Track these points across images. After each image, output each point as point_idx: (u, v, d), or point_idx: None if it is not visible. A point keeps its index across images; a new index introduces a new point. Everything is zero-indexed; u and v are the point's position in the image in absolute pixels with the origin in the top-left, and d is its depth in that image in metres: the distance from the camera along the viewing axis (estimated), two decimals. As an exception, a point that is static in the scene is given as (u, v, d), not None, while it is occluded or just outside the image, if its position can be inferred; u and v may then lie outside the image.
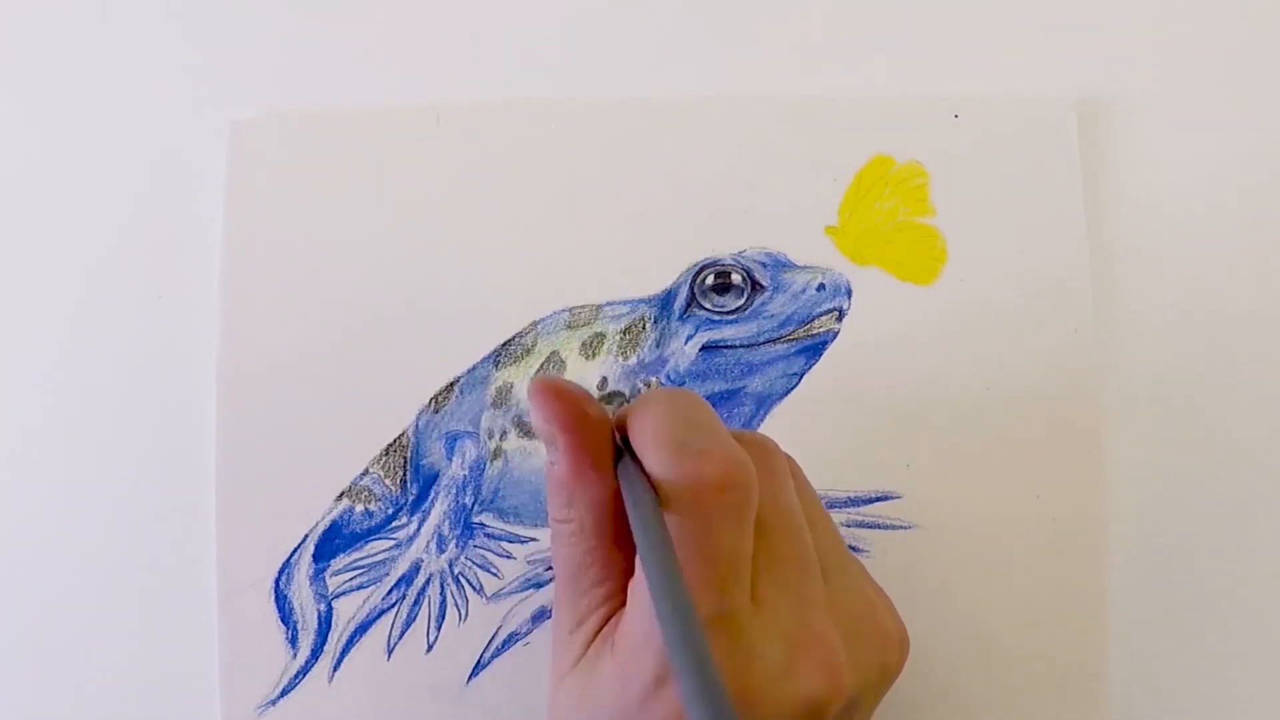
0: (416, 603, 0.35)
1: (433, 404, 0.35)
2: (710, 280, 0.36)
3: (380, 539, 0.35)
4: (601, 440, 0.26)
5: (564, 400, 0.26)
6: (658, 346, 0.36)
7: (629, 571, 0.26)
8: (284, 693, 0.34)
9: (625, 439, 0.26)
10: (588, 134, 0.36)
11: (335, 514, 0.35)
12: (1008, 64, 0.37)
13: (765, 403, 0.35)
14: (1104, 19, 0.37)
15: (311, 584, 0.35)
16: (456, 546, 0.35)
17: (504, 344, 0.36)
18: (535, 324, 0.36)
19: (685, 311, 0.36)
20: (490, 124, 0.37)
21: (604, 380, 0.35)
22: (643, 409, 0.26)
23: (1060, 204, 0.36)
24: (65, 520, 0.36)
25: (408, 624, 0.35)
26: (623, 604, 0.26)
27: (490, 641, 0.35)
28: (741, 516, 0.25)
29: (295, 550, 0.35)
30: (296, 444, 0.35)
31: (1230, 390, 0.36)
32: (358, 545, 0.35)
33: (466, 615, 0.35)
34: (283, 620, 0.35)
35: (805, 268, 0.36)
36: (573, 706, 0.26)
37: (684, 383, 0.35)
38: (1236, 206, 0.37)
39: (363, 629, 0.35)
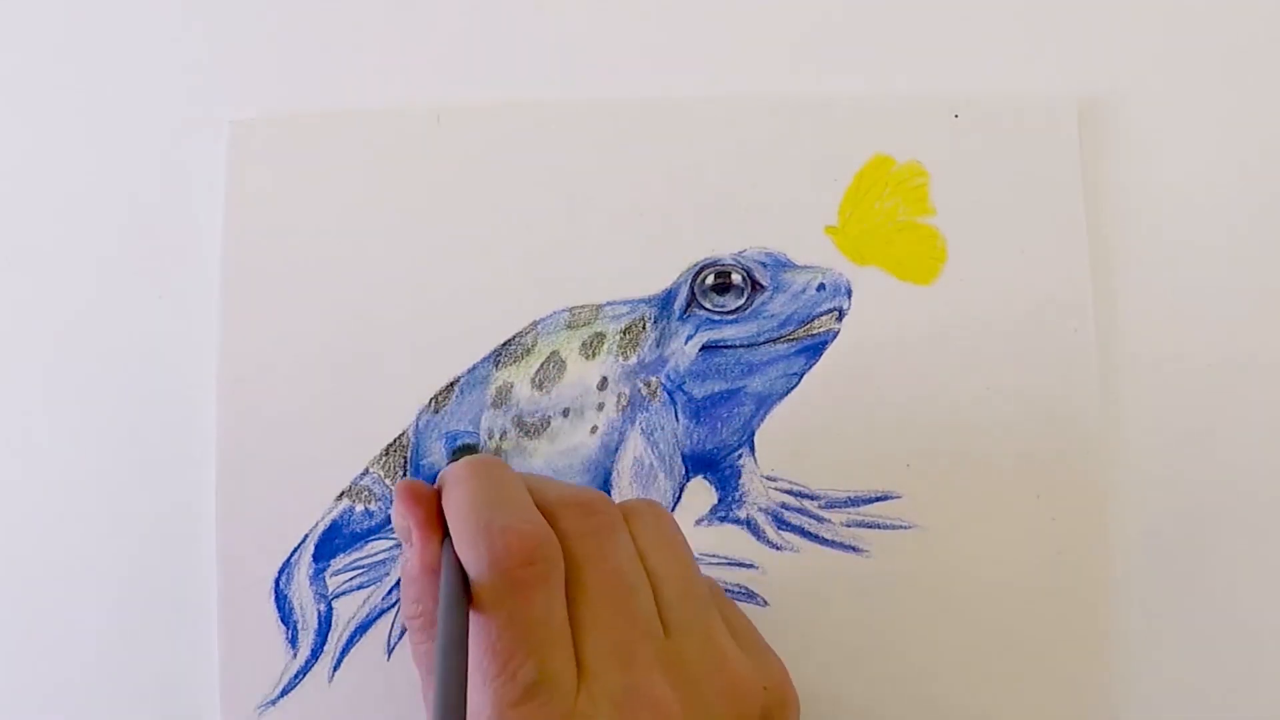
0: (416, 603, 0.35)
1: (433, 404, 0.35)
2: (710, 280, 0.36)
3: (380, 539, 0.35)
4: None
5: (419, 500, 0.27)
6: (658, 346, 0.36)
7: None
8: (284, 692, 0.34)
9: None
10: (588, 134, 0.36)
11: (335, 514, 0.35)
12: (1008, 64, 0.37)
13: (765, 403, 0.35)
14: (1104, 19, 0.37)
15: (311, 584, 0.35)
16: (456, 546, 0.35)
17: (504, 344, 0.36)
18: (535, 324, 0.36)
19: (685, 311, 0.36)
20: (490, 124, 0.37)
21: (604, 380, 0.36)
22: (450, 488, 0.27)
23: (1060, 204, 0.36)
24: (65, 520, 0.36)
25: (408, 624, 0.35)
26: None
27: (490, 641, 0.35)
28: (549, 587, 0.26)
29: (295, 550, 0.35)
30: (296, 444, 0.35)
31: (1231, 390, 0.36)
32: (358, 545, 0.35)
33: (466, 615, 0.35)
34: (283, 620, 0.35)
35: (805, 268, 0.36)
36: None
37: (684, 382, 0.35)
38: (1236, 206, 0.37)
39: (363, 629, 0.35)
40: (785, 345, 0.36)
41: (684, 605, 0.28)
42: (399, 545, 0.35)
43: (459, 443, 0.35)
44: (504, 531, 0.26)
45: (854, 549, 0.35)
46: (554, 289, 0.36)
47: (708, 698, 0.26)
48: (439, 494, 0.28)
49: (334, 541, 0.35)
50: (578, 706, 0.25)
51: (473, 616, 0.25)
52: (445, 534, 0.27)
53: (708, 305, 0.36)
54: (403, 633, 0.35)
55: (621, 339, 0.36)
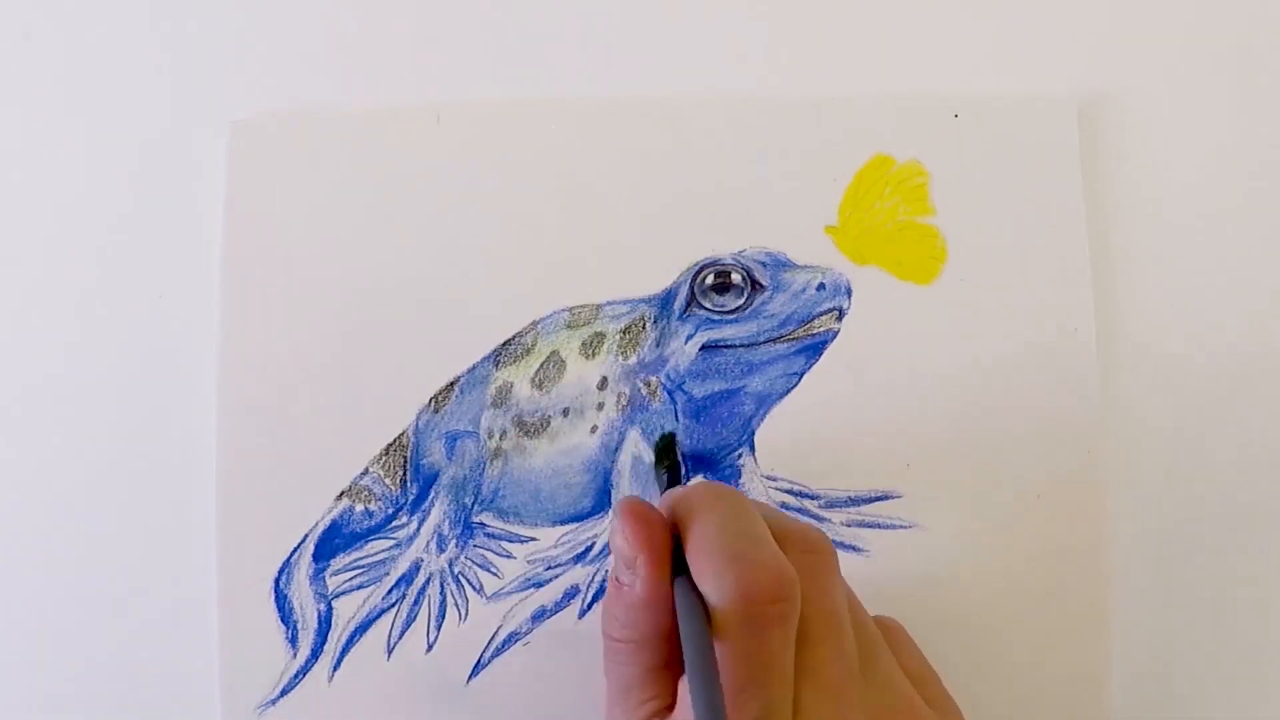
0: (416, 602, 0.35)
1: (433, 404, 0.35)
2: (710, 280, 0.36)
3: (380, 539, 0.35)
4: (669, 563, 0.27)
5: (651, 526, 0.27)
6: (658, 346, 0.36)
7: (675, 684, 0.27)
8: (284, 692, 0.34)
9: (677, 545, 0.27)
10: (588, 134, 0.36)
11: (335, 513, 0.35)
12: (1008, 64, 0.37)
13: (765, 402, 0.35)
14: (1104, 19, 0.37)
15: (311, 584, 0.35)
16: (456, 546, 0.35)
17: (504, 344, 0.36)
18: (535, 324, 0.36)
19: (685, 311, 0.36)
20: (490, 124, 0.37)
21: (604, 380, 0.36)
22: (698, 517, 0.27)
23: (1060, 204, 0.36)
24: (65, 520, 0.36)
25: (408, 624, 0.35)
26: (669, 707, 0.27)
27: (490, 641, 0.35)
28: (787, 626, 0.26)
29: (295, 550, 0.35)
30: (296, 444, 0.35)
31: (1231, 390, 0.36)
32: (358, 545, 0.35)
33: (466, 615, 0.35)
34: (283, 620, 0.35)
35: (805, 267, 0.36)
36: None
37: (684, 382, 0.35)
38: (1236, 206, 0.37)
39: (363, 629, 0.35)
40: (785, 345, 0.36)
41: (875, 650, 0.28)
42: (399, 545, 0.35)
43: (662, 436, 0.35)
44: (755, 566, 0.25)
45: (854, 549, 0.35)
46: (554, 289, 0.36)
47: None
48: (666, 521, 0.27)
49: (334, 541, 0.35)
50: None
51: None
52: (677, 566, 0.27)
53: (708, 305, 0.36)
54: (403, 633, 0.35)
55: (621, 339, 0.36)
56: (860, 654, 0.28)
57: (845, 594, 0.28)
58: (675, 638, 0.27)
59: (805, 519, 0.35)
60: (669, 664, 0.27)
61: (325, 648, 0.35)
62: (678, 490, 0.29)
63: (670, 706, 0.27)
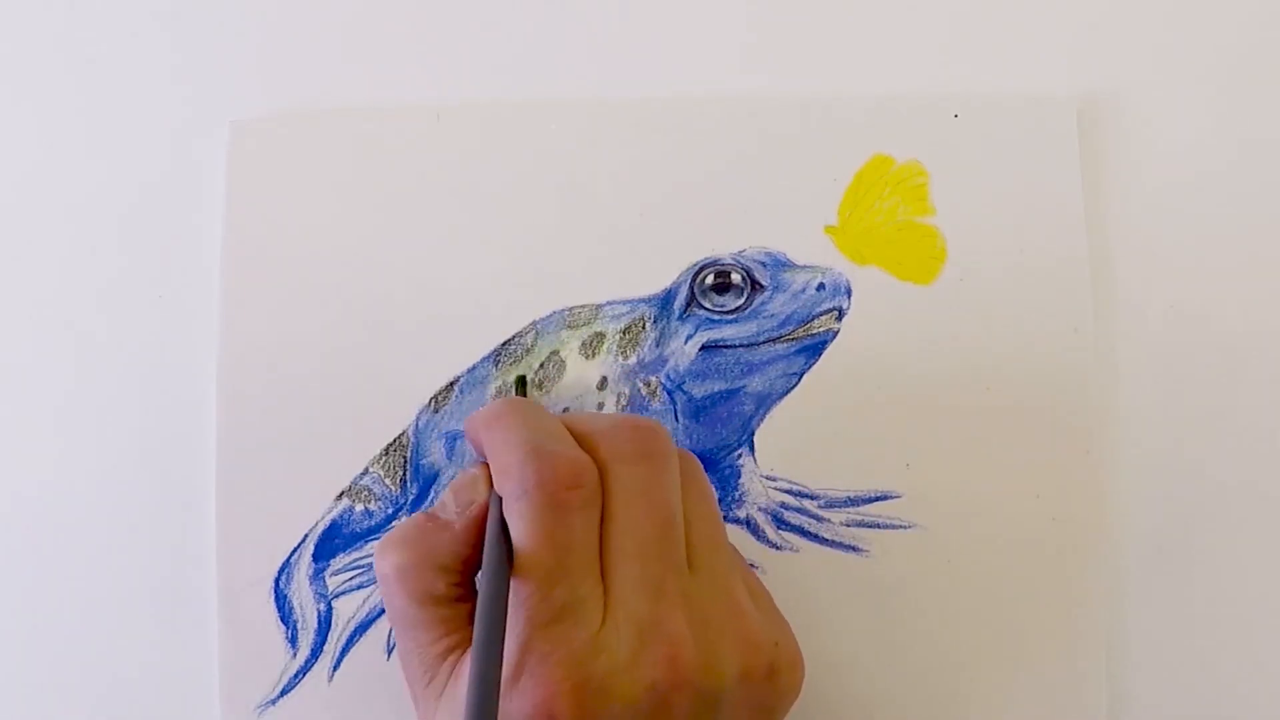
0: (416, 602, 0.35)
1: (433, 404, 0.35)
2: (710, 280, 0.36)
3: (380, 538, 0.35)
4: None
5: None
6: (657, 346, 0.36)
7: (464, 623, 0.28)
8: (284, 692, 0.34)
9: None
10: (587, 134, 0.36)
11: (335, 513, 0.35)
12: (1008, 64, 0.37)
13: (765, 402, 0.35)
14: (1104, 19, 0.37)
15: (311, 583, 0.35)
16: (456, 546, 0.35)
17: (504, 344, 0.36)
18: (535, 324, 0.36)
19: (685, 311, 0.36)
20: (490, 123, 0.37)
21: (604, 380, 0.36)
22: (494, 422, 0.28)
23: (1060, 204, 0.36)
24: (65, 520, 0.36)
25: (408, 624, 0.35)
26: (468, 643, 0.27)
27: (490, 641, 0.35)
28: (587, 512, 0.27)
29: (295, 550, 0.35)
30: (296, 444, 0.35)
31: (1230, 389, 0.36)
32: (358, 545, 0.35)
33: (466, 615, 0.35)
34: (283, 620, 0.35)
35: (805, 267, 0.36)
36: None
37: (684, 382, 0.35)
38: (1236, 206, 0.37)
39: (363, 629, 0.35)
40: (785, 345, 0.36)
41: (710, 551, 0.28)
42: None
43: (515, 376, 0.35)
44: (549, 456, 0.27)
45: (854, 549, 0.35)
46: (554, 289, 0.36)
47: (720, 643, 0.27)
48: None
49: (334, 541, 0.35)
50: (602, 633, 0.26)
51: (514, 535, 0.26)
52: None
53: (707, 305, 0.36)
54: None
55: (621, 339, 0.36)
56: (699, 555, 0.28)
57: (668, 489, 0.28)
58: (456, 574, 0.28)
59: (805, 519, 0.35)
60: (449, 599, 0.28)
61: (325, 648, 0.35)
62: (474, 414, 0.30)
63: (469, 640, 0.27)
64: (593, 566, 0.26)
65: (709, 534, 0.29)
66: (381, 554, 0.28)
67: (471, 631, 0.26)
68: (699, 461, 0.30)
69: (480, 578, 0.27)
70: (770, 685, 0.28)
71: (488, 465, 0.29)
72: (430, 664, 0.28)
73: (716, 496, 0.30)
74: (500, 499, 0.27)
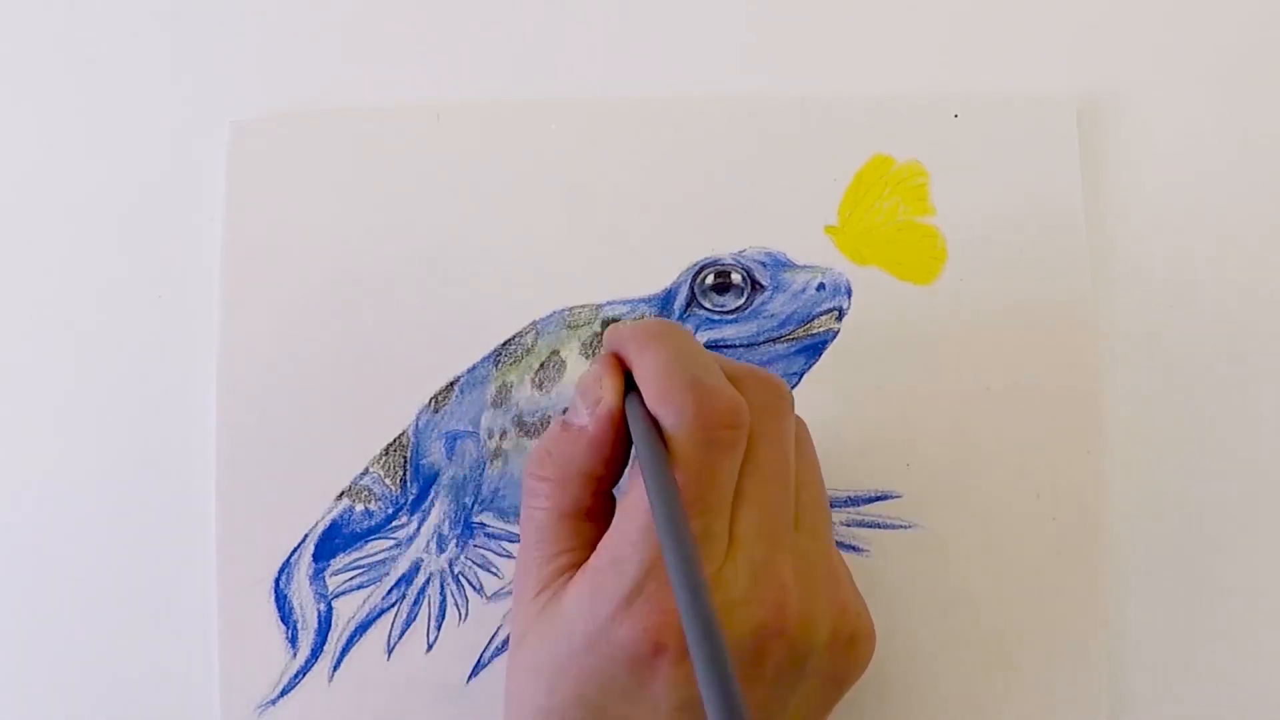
0: (416, 602, 0.35)
1: (433, 404, 0.35)
2: (710, 280, 0.36)
3: (380, 539, 0.35)
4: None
5: (618, 369, 0.28)
6: (658, 346, 0.36)
7: (596, 542, 0.27)
8: (284, 692, 0.34)
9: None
10: (588, 134, 0.36)
11: (335, 513, 0.35)
12: (1008, 64, 0.37)
13: (765, 402, 0.35)
14: (1104, 19, 0.37)
15: (311, 584, 0.35)
16: (456, 546, 0.35)
17: (504, 344, 0.36)
18: (535, 324, 0.36)
19: (685, 311, 0.36)
20: (490, 123, 0.37)
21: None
22: (650, 342, 0.27)
23: (1060, 204, 0.36)
24: (65, 520, 0.36)
25: (408, 624, 0.35)
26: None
27: (490, 641, 0.35)
28: (736, 453, 0.26)
29: (295, 550, 0.35)
30: (296, 444, 0.35)
31: (1230, 389, 0.36)
32: (358, 545, 0.35)
33: (466, 615, 0.35)
34: (283, 620, 0.35)
35: (805, 267, 0.36)
36: (538, 647, 0.27)
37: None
38: (1236, 206, 0.37)
39: (363, 629, 0.35)
40: (785, 345, 0.36)
41: (815, 514, 0.29)
42: (399, 545, 0.35)
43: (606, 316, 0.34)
44: (710, 392, 0.26)
45: (854, 548, 0.35)
46: (554, 289, 0.36)
47: (818, 602, 0.27)
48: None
49: (334, 541, 0.35)
50: (723, 570, 0.26)
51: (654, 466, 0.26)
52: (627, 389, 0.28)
53: (708, 305, 0.36)
54: (403, 633, 0.35)
55: (621, 339, 0.36)
56: (805, 515, 0.28)
57: (791, 448, 0.28)
58: (599, 482, 0.28)
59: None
60: (589, 514, 0.28)
61: (325, 648, 0.35)
62: (621, 326, 0.29)
63: (582, 562, 0.27)
64: (727, 505, 0.26)
65: (816, 497, 0.29)
66: (534, 466, 0.28)
67: (589, 555, 0.26)
68: (806, 426, 0.30)
69: (630, 477, 0.26)
70: (849, 653, 0.28)
71: (614, 363, 0.28)
72: (547, 577, 0.28)
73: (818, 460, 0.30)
74: (639, 400, 0.27)
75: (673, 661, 0.25)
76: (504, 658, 0.34)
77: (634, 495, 0.26)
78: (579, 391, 0.28)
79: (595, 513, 0.28)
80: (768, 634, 0.26)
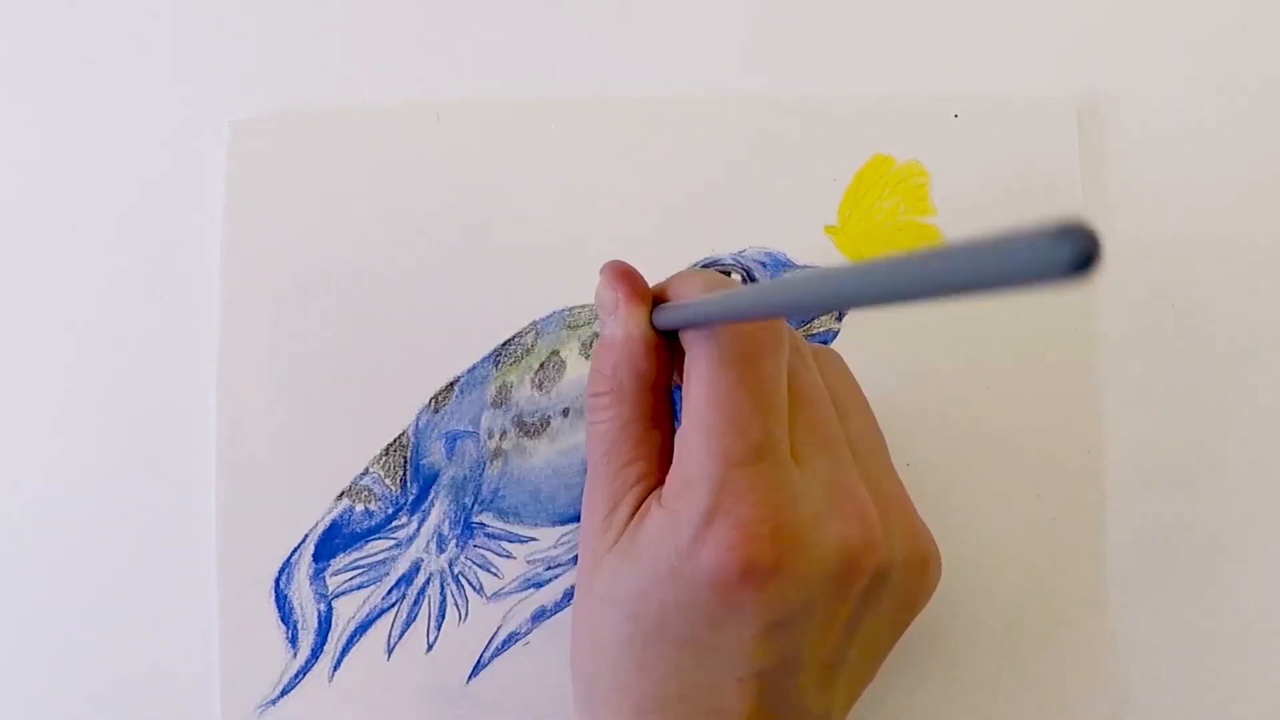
0: (416, 603, 0.35)
1: (433, 404, 0.35)
2: (710, 280, 0.36)
3: (380, 539, 0.35)
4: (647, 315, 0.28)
5: (629, 274, 0.28)
6: (658, 346, 0.36)
7: (665, 451, 0.27)
8: (284, 692, 0.34)
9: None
10: (588, 134, 0.36)
11: (335, 514, 0.35)
12: (1008, 64, 0.37)
13: (765, 402, 0.35)
14: (1104, 19, 0.37)
15: (311, 584, 0.35)
16: (456, 546, 0.35)
17: (504, 344, 0.36)
18: (535, 324, 0.36)
19: (685, 311, 0.36)
20: (490, 124, 0.37)
21: (604, 380, 0.35)
22: (683, 279, 0.28)
23: (1060, 204, 0.36)
24: (65, 520, 0.36)
25: (408, 624, 0.35)
26: (657, 484, 0.27)
27: (490, 641, 0.35)
28: (779, 354, 0.25)
29: (295, 550, 0.35)
30: (296, 444, 0.35)
31: (1230, 389, 0.36)
32: (358, 545, 0.35)
33: (466, 615, 0.35)
34: (283, 620, 0.35)
35: (805, 267, 0.36)
36: (616, 577, 0.26)
37: (684, 382, 0.35)
38: (1236, 206, 0.37)
39: (363, 629, 0.35)
40: (785, 345, 0.35)
41: (871, 437, 0.28)
42: (399, 545, 0.35)
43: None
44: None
45: (854, 549, 0.35)
46: (554, 289, 0.36)
47: (891, 521, 0.27)
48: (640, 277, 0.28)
49: (334, 541, 0.35)
50: (797, 481, 0.25)
51: (702, 375, 0.25)
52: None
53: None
54: (403, 633, 0.35)
55: (621, 339, 0.36)
56: (859, 441, 0.28)
57: (818, 375, 0.28)
58: (657, 398, 0.27)
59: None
60: (651, 428, 0.27)
61: (325, 648, 0.35)
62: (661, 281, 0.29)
63: (653, 472, 0.27)
64: (784, 411, 0.25)
65: (868, 423, 0.29)
66: (590, 387, 0.28)
67: (657, 470, 0.26)
68: (842, 359, 0.30)
69: (683, 395, 0.26)
70: (921, 577, 0.28)
71: (622, 269, 0.28)
72: (617, 491, 0.27)
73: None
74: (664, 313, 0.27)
75: (761, 579, 0.24)
76: (504, 658, 0.34)
77: (689, 409, 0.25)
78: (598, 304, 0.28)
79: (659, 418, 0.27)
80: (854, 551, 0.25)
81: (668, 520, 0.25)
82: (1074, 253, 0.13)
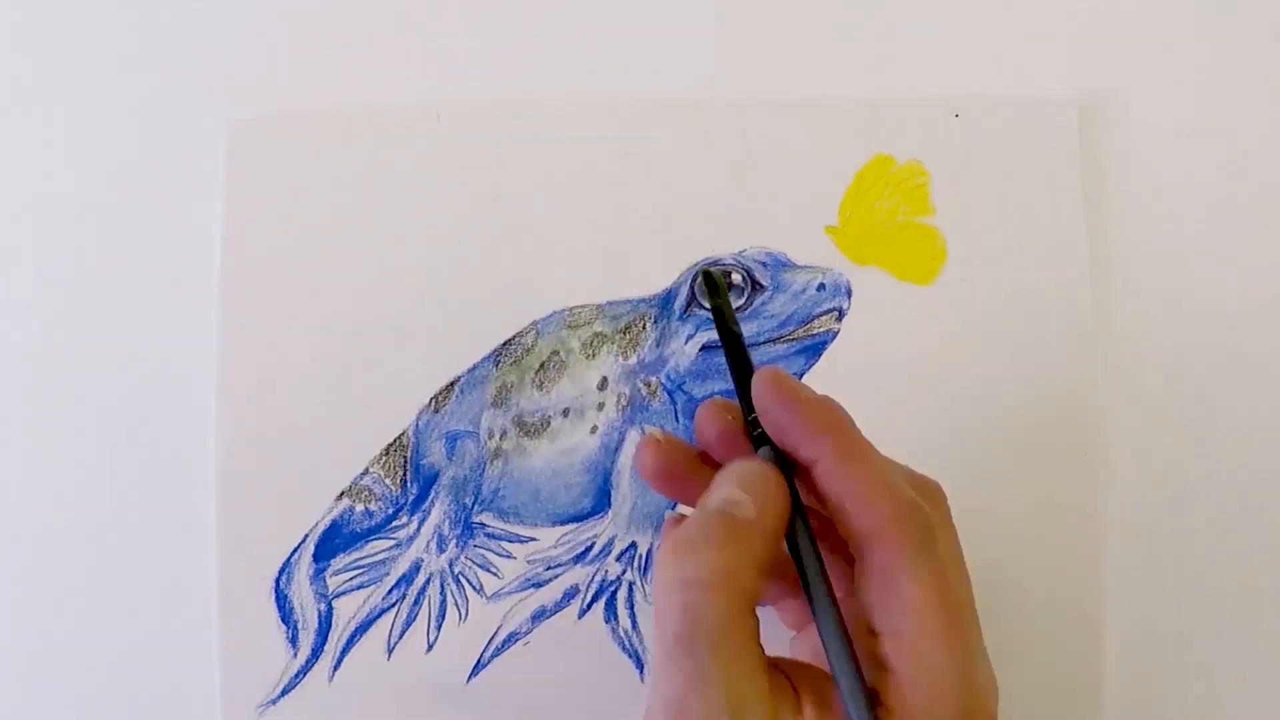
0: (416, 602, 0.35)
1: (433, 404, 0.35)
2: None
3: (380, 539, 0.35)
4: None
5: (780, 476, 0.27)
6: (658, 346, 0.36)
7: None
8: (284, 692, 0.34)
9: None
10: (588, 134, 0.36)
11: (335, 514, 0.35)
12: (1008, 64, 0.37)
13: (765, 403, 0.35)
14: (1104, 19, 0.37)
15: (312, 583, 0.35)
16: (456, 546, 0.35)
17: (504, 344, 0.36)
18: (535, 324, 0.36)
19: (685, 311, 0.36)
20: (491, 122, 0.37)
21: (604, 380, 0.35)
22: (839, 433, 0.27)
23: (1060, 204, 0.36)
24: (65, 521, 0.36)
25: (408, 624, 0.35)
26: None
27: (490, 641, 0.35)
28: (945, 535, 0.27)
29: (295, 550, 0.35)
30: (296, 444, 0.35)
31: (1229, 389, 0.36)
32: (358, 545, 0.35)
33: (466, 615, 0.35)
34: (283, 620, 0.35)
35: (805, 267, 0.36)
36: None
37: (684, 382, 0.35)
38: (1235, 206, 0.37)
39: (363, 629, 0.35)
40: (785, 345, 0.36)
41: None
42: (399, 545, 0.35)
43: (705, 269, 0.32)
44: (921, 511, 0.26)
45: (854, 549, 0.35)
46: (554, 289, 0.36)
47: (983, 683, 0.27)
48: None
49: (334, 541, 0.35)
50: (980, 663, 0.27)
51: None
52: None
53: (708, 305, 0.36)
54: (403, 633, 0.35)
55: (621, 339, 0.36)
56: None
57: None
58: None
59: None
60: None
61: (325, 648, 0.35)
62: (782, 389, 0.28)
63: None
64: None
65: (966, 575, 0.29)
66: (689, 555, 0.24)
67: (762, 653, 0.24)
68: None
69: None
70: None
71: (774, 459, 0.27)
72: (762, 697, 0.23)
73: None
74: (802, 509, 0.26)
75: None
76: (504, 658, 0.34)
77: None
78: (743, 486, 0.26)
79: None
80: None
81: None
82: None
